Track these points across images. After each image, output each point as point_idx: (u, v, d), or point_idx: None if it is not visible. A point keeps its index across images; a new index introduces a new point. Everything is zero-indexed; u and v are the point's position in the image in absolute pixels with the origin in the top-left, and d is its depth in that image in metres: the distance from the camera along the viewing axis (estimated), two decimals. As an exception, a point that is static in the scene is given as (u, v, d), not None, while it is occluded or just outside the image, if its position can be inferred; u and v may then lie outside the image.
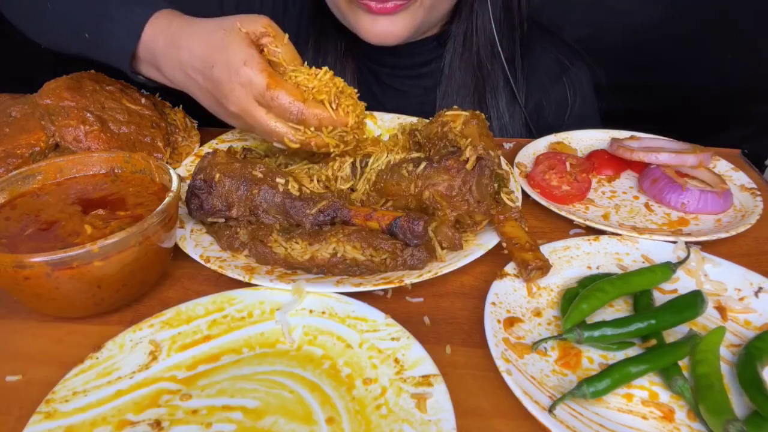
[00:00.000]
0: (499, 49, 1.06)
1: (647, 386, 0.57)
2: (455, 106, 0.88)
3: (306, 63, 0.81)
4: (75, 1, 0.88)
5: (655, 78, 1.50)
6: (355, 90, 0.82)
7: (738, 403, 0.55)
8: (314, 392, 0.56)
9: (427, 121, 0.94)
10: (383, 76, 1.17)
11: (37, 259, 0.56)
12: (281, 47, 0.78)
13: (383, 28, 0.96)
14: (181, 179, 0.71)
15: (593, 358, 0.60)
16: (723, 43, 1.43)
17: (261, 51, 0.78)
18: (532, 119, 1.13)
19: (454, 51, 1.09)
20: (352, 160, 0.81)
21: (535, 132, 1.10)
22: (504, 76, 1.09)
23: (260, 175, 0.74)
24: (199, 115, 1.05)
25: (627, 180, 0.94)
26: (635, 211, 0.85)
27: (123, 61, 0.86)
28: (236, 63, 0.74)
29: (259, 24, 0.78)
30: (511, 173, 0.88)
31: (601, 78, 1.20)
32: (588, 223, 0.78)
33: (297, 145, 0.77)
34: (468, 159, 0.73)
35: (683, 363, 0.59)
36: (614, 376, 0.55)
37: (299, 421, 0.53)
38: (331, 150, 0.79)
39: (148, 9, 0.84)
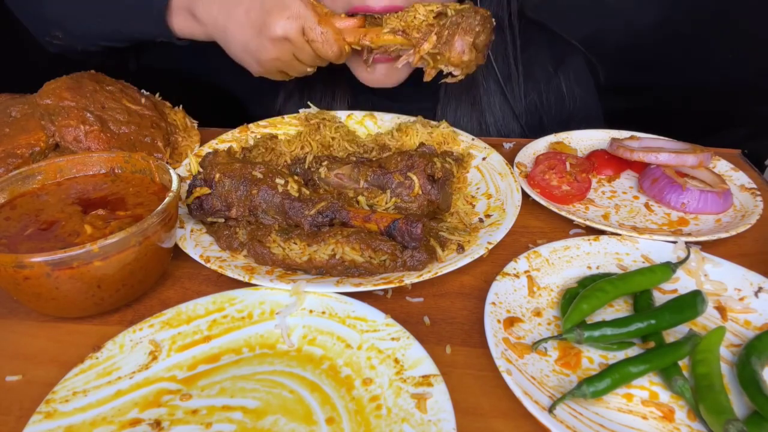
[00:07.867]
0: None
1: (647, 386, 0.57)
2: None
3: None
4: None
5: (655, 78, 1.50)
6: None
7: (738, 403, 0.55)
8: (314, 392, 0.56)
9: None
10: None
11: (37, 259, 0.56)
12: None
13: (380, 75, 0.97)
14: (181, 179, 0.71)
15: (593, 358, 0.60)
16: (723, 42, 1.43)
17: None
18: (533, 117, 1.13)
19: None
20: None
21: (526, 131, 1.10)
22: (495, 76, 1.09)
23: (260, 176, 0.74)
24: (199, 115, 1.05)
25: (627, 180, 0.94)
26: (635, 211, 0.85)
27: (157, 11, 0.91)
28: None
29: None
30: (512, 173, 0.88)
31: (601, 77, 1.20)
32: (588, 223, 0.78)
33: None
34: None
35: (683, 363, 0.59)
36: (614, 376, 0.55)
37: (299, 421, 0.53)
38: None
39: None
